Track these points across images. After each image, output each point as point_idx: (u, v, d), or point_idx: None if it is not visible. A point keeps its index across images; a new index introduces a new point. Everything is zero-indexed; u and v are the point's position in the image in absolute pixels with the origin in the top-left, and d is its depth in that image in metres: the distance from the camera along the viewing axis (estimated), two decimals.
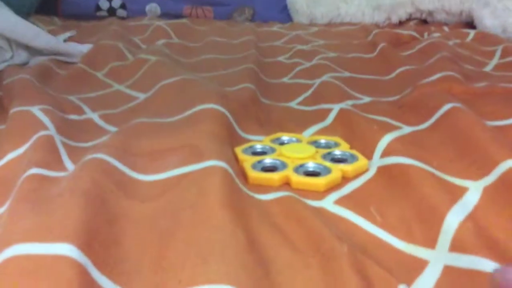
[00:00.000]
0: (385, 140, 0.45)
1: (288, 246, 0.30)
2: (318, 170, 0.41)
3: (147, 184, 0.37)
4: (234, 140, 0.47)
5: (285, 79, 0.75)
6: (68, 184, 0.32)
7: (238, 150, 0.45)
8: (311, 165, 0.42)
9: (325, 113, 0.56)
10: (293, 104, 0.62)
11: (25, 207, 0.29)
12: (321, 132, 0.52)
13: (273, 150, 0.45)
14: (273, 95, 0.66)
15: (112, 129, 0.54)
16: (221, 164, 0.37)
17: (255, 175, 0.40)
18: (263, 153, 0.45)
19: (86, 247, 0.25)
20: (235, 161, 0.42)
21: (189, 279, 0.24)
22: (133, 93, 0.68)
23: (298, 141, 0.48)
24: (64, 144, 0.45)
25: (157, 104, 0.61)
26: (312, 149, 0.44)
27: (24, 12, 1.14)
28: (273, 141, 0.48)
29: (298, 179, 0.39)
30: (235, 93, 0.61)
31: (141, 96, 0.66)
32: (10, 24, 0.83)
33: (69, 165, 0.40)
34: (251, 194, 0.37)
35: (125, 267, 0.27)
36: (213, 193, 0.32)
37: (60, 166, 0.39)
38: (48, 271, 0.23)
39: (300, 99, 0.64)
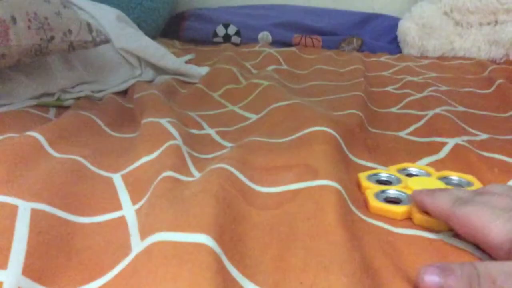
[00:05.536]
0: (509, 184, 0.44)
1: (401, 274, 0.31)
2: None
3: (264, 195, 0.39)
4: (346, 162, 0.48)
5: (394, 109, 0.75)
6: (200, 186, 0.35)
7: (362, 176, 0.44)
8: None
9: (439, 146, 0.55)
10: (403, 134, 0.62)
11: (164, 203, 0.33)
12: (434, 165, 0.51)
13: (398, 180, 0.43)
14: (381, 124, 0.66)
15: (228, 144, 0.58)
16: (335, 185, 0.39)
17: (377, 205, 0.39)
18: (388, 182, 0.43)
19: (219, 238, 0.28)
20: (349, 183, 0.43)
21: (311, 283, 0.26)
22: (246, 113, 0.72)
23: (428, 174, 0.45)
24: (189, 154, 0.49)
25: (269, 125, 0.64)
26: (441, 186, 0.41)
27: (151, 35, 1.27)
28: (400, 171, 0.46)
29: (422, 218, 0.36)
30: (342, 118, 0.62)
31: (254, 117, 0.70)
32: (142, 45, 0.93)
33: (195, 171, 0.44)
34: (364, 217, 0.38)
35: (249, 262, 0.29)
36: (330, 210, 0.33)
37: (188, 172, 0.43)
38: (190, 256, 0.26)
39: (410, 129, 0.63)
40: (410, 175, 0.45)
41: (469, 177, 0.45)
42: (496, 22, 1.23)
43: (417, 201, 0.36)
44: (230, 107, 0.76)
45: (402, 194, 0.40)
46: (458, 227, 0.32)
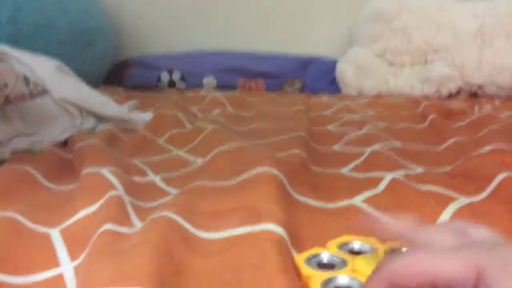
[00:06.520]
0: (446, 215, 0.46)
1: None
2: None
3: (208, 241, 0.39)
4: (290, 201, 0.49)
5: (336, 147, 0.77)
6: (139, 237, 0.35)
7: (300, 259, 0.36)
8: None
9: (377, 181, 0.57)
10: (345, 170, 0.64)
11: (102, 258, 0.32)
12: (372, 199, 0.53)
13: (344, 263, 0.36)
14: (324, 162, 0.68)
15: (173, 191, 0.57)
16: (278, 228, 0.39)
17: None
18: (330, 265, 0.36)
19: None
20: (292, 223, 0.43)
21: None
22: (192, 158, 0.72)
23: (372, 249, 0.38)
24: (132, 204, 0.48)
25: (214, 169, 0.64)
26: None
27: (94, 84, 1.26)
28: (341, 246, 0.39)
29: None
30: (286, 158, 0.64)
31: (199, 161, 0.70)
32: (82, 94, 0.91)
33: (137, 222, 0.43)
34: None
35: None
36: (273, 256, 0.34)
37: (129, 223, 0.42)
38: None
39: (351, 166, 0.66)
40: (352, 251, 0.39)
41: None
42: (426, 61, 1.32)
43: None
44: (175, 152, 0.76)
45: (354, 282, 0.34)
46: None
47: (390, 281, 0.25)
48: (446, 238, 0.29)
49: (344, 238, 0.40)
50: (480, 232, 0.29)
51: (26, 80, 0.73)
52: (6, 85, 0.69)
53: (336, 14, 1.53)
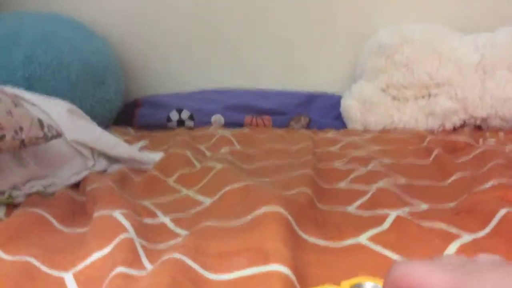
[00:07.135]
0: (450, 252, 0.47)
1: None
2: None
3: (217, 283, 0.40)
4: (296, 240, 0.50)
5: (342, 185, 0.79)
6: (151, 279, 0.36)
7: None
8: None
9: (382, 218, 0.58)
10: (350, 208, 0.65)
11: None
12: (378, 237, 0.54)
13: None
14: (330, 200, 0.69)
15: (182, 232, 0.59)
16: (284, 269, 0.40)
17: None
18: None
19: None
20: (299, 262, 0.44)
21: None
22: (200, 198, 0.73)
23: None
24: (142, 246, 0.50)
25: (222, 209, 0.66)
26: None
27: (104, 125, 1.29)
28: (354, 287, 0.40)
29: None
30: (293, 196, 0.65)
31: (208, 200, 0.71)
32: (94, 136, 0.94)
33: (147, 264, 0.45)
34: None
35: None
36: None
37: (140, 266, 0.44)
38: None
39: (357, 203, 0.67)
40: None
41: None
42: (429, 95, 1.34)
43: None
44: (184, 192, 0.78)
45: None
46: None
47: (396, 285, 0.29)
48: (452, 259, 0.30)
49: (358, 279, 0.40)
50: (488, 256, 0.30)
51: (41, 123, 0.76)
52: (21, 129, 0.72)
53: (337, 49, 1.57)
